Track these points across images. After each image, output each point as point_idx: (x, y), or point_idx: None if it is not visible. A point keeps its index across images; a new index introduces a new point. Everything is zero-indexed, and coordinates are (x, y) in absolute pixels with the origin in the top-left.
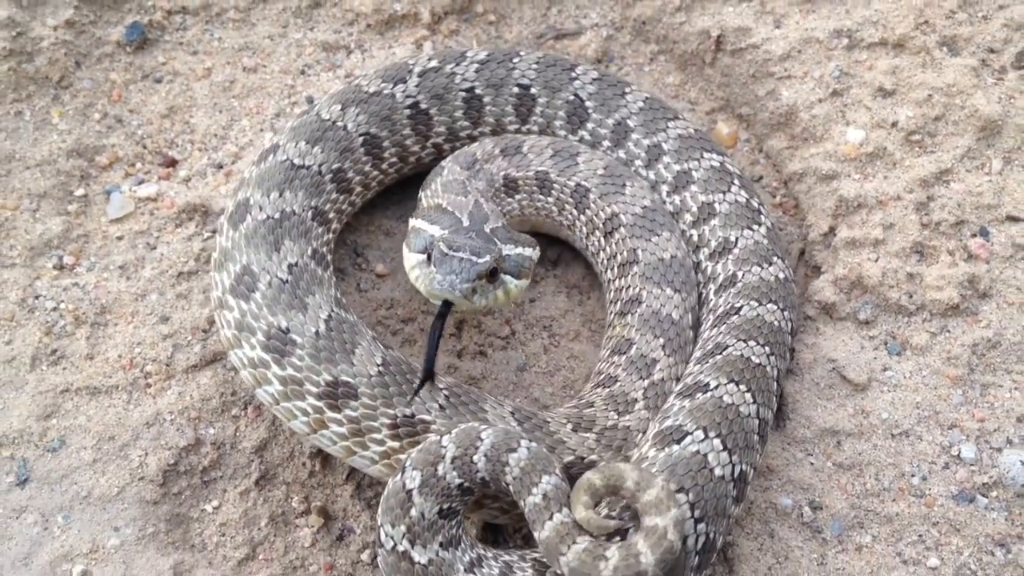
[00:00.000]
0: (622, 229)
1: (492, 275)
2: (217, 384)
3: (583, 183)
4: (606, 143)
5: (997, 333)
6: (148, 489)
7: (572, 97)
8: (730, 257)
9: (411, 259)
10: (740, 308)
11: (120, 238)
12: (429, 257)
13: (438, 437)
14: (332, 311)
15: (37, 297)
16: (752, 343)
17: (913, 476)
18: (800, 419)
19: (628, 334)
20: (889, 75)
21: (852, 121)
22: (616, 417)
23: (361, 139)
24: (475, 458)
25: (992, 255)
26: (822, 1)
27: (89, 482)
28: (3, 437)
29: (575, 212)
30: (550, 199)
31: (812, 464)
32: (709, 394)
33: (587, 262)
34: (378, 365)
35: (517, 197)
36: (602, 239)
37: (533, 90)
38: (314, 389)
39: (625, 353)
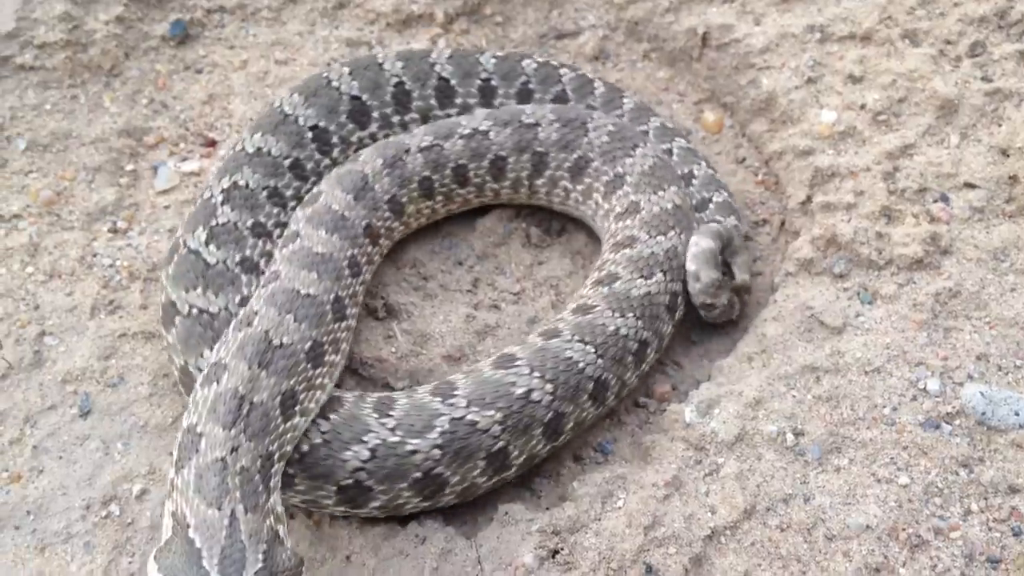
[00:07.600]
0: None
1: None
2: None
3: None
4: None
5: (957, 284)
6: None
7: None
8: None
9: None
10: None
11: (167, 207)
12: None
13: None
14: None
15: (95, 255)
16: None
17: (884, 407)
18: (783, 357)
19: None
20: (857, 64)
21: (825, 104)
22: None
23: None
24: None
25: (952, 217)
26: (796, 1)
27: (146, 413)
28: (67, 374)
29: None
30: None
31: (794, 396)
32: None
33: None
34: None
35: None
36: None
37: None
38: None
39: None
